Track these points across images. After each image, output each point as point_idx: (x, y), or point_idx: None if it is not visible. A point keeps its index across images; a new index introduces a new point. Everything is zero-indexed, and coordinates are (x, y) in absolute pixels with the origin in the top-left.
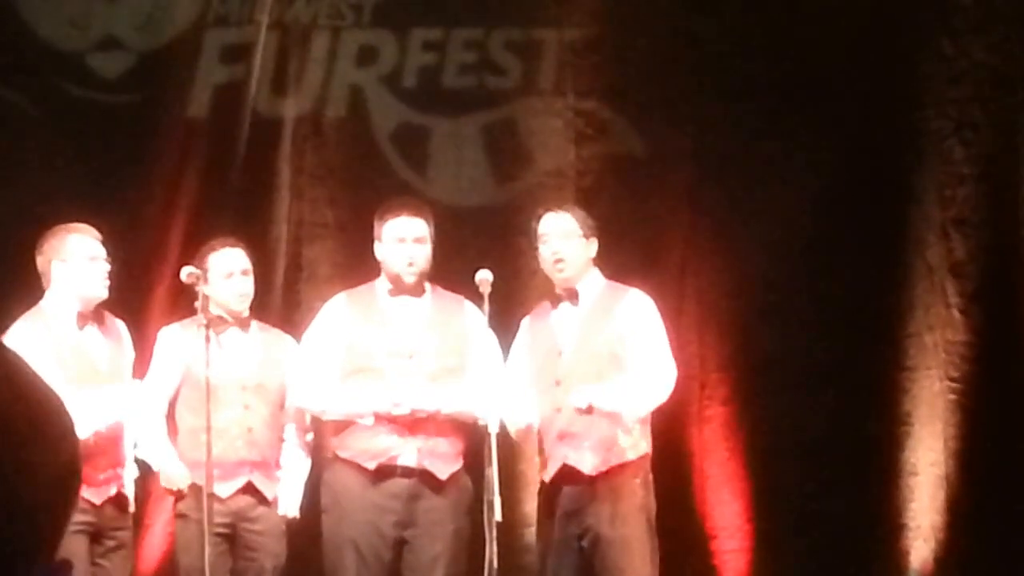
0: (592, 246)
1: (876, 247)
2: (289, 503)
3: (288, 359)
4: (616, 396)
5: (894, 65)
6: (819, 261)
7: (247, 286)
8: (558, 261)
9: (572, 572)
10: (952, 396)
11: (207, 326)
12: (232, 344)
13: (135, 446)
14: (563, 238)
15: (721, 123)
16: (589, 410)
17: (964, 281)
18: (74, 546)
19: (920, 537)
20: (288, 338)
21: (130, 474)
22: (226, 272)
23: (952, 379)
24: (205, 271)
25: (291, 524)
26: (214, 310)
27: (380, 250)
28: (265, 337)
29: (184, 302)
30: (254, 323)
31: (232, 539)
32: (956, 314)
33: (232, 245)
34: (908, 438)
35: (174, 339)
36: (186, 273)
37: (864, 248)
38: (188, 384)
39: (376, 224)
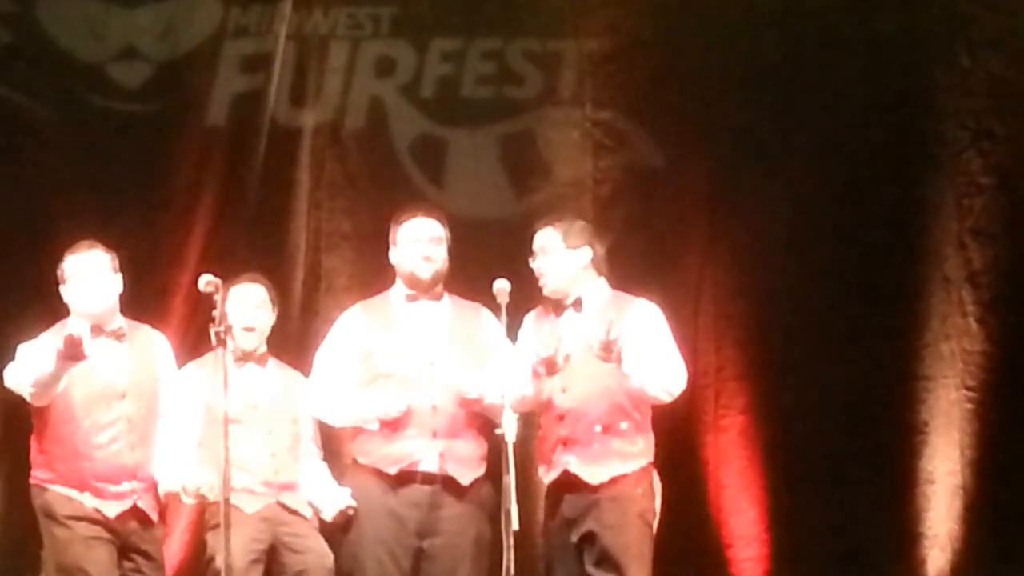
0: (581, 255)
1: (893, 257)
2: (328, 507)
3: (303, 398)
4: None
5: (911, 77)
6: (836, 271)
7: (257, 321)
8: (540, 276)
9: None
10: (969, 405)
11: (225, 332)
12: (251, 375)
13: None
14: (545, 253)
15: (738, 134)
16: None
17: (981, 291)
18: (96, 554)
19: (936, 546)
20: (304, 379)
21: (165, 481)
22: (237, 306)
23: (969, 388)
24: (225, 300)
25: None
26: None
27: (395, 254)
28: (284, 373)
29: (202, 311)
30: (272, 360)
31: (270, 545)
32: (973, 324)
33: (253, 280)
34: (925, 447)
35: (191, 379)
36: (204, 282)
37: (881, 258)
38: (209, 420)
39: (392, 230)
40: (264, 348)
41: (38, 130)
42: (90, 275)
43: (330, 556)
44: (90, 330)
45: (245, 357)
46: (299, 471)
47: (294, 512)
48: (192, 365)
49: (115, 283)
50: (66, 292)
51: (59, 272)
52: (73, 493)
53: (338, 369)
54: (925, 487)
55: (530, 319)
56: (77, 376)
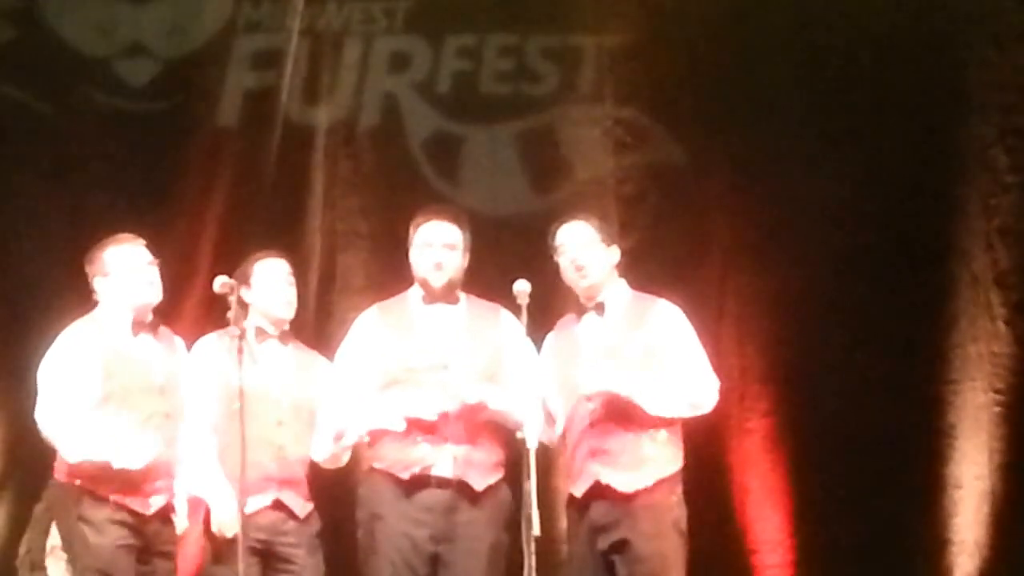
0: (613, 253)
1: (919, 257)
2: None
3: (322, 380)
4: (641, 389)
5: (937, 72)
6: (861, 271)
7: (292, 295)
8: (579, 269)
9: None
10: (997, 408)
11: (240, 337)
12: (269, 358)
13: (188, 477)
14: (582, 247)
15: (761, 131)
16: (605, 401)
17: (1009, 292)
18: (121, 561)
19: (964, 552)
20: (323, 360)
21: (181, 486)
22: (272, 280)
23: (997, 391)
24: (248, 278)
25: (324, 536)
26: (259, 321)
27: (412, 256)
28: (302, 356)
29: (216, 312)
30: (292, 342)
31: (265, 554)
32: (1001, 325)
33: (278, 255)
34: (952, 451)
35: (212, 349)
36: (219, 283)
37: (907, 259)
38: (224, 396)
39: (411, 230)
40: (287, 326)
41: (42, 128)
42: (132, 269)
43: (320, 568)
44: (130, 326)
45: (264, 334)
46: (307, 466)
47: (292, 515)
48: (214, 336)
49: (156, 275)
50: (105, 285)
51: (95, 265)
52: (108, 491)
53: (356, 373)
54: (952, 492)
55: (549, 340)
56: (118, 371)
